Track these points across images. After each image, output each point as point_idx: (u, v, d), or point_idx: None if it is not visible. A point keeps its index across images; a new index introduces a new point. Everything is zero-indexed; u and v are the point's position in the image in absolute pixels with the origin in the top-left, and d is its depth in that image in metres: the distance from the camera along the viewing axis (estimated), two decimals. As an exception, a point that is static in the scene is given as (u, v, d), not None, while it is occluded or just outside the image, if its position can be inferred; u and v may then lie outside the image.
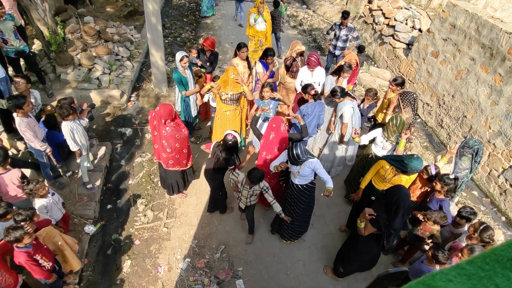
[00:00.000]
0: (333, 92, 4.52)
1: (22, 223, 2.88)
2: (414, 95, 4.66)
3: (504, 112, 5.13)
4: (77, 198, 4.47)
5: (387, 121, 4.26)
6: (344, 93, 4.52)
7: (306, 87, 4.49)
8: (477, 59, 5.67)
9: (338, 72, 5.03)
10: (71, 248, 3.58)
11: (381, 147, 4.21)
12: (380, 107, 5.28)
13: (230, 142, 3.72)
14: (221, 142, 3.83)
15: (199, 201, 4.79)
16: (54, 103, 5.28)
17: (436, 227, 3.52)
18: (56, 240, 3.36)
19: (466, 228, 3.59)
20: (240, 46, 5.18)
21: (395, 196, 3.07)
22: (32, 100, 4.39)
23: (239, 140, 3.89)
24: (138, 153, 5.52)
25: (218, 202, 4.46)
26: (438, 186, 3.61)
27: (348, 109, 4.51)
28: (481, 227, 3.20)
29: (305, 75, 5.27)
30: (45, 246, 3.10)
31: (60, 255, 3.43)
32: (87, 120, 4.39)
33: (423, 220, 3.53)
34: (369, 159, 4.37)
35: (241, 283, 3.84)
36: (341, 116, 4.64)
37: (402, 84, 4.82)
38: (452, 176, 3.59)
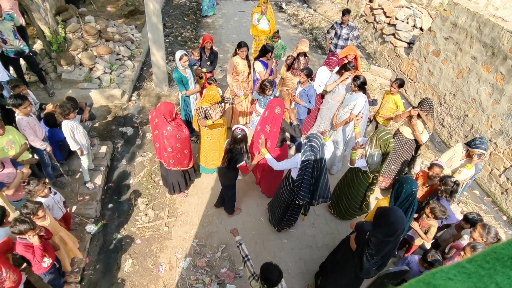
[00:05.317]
0: (355, 79, 4.48)
1: (28, 216, 2.87)
2: (432, 102, 4.47)
3: (506, 111, 5.12)
4: (78, 198, 4.48)
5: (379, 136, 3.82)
6: (364, 84, 4.50)
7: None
8: (479, 58, 5.66)
9: (341, 70, 5.00)
10: (72, 248, 3.59)
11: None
12: (379, 108, 5.26)
13: (240, 136, 3.69)
14: (232, 138, 3.78)
15: (200, 200, 4.79)
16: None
17: (434, 223, 3.51)
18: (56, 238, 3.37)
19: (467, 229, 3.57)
20: (240, 45, 5.18)
21: (389, 219, 2.59)
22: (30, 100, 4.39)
23: (247, 133, 3.85)
24: (139, 153, 5.52)
25: (226, 202, 4.41)
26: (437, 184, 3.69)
27: (361, 102, 4.49)
28: (485, 231, 3.04)
29: (324, 74, 5.30)
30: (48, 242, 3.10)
31: (59, 251, 3.44)
32: (90, 124, 4.39)
33: (425, 213, 3.52)
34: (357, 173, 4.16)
35: None
36: (350, 109, 4.60)
37: (402, 85, 4.82)
38: (453, 180, 3.64)
